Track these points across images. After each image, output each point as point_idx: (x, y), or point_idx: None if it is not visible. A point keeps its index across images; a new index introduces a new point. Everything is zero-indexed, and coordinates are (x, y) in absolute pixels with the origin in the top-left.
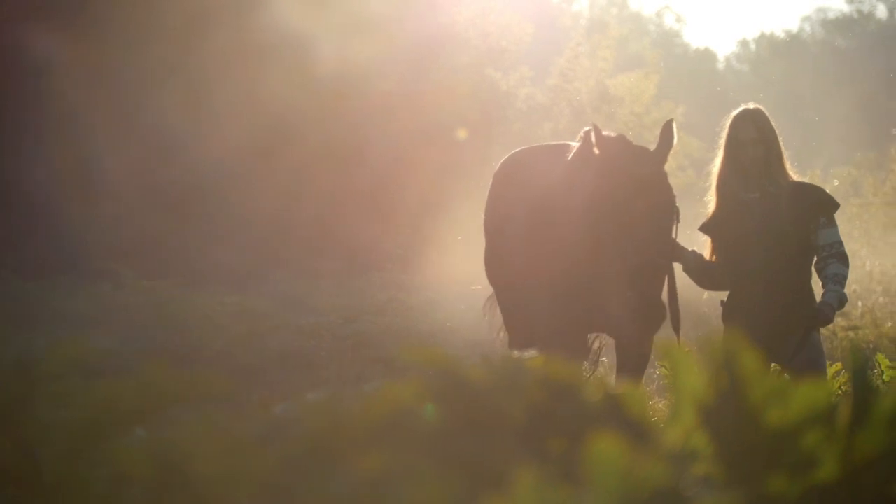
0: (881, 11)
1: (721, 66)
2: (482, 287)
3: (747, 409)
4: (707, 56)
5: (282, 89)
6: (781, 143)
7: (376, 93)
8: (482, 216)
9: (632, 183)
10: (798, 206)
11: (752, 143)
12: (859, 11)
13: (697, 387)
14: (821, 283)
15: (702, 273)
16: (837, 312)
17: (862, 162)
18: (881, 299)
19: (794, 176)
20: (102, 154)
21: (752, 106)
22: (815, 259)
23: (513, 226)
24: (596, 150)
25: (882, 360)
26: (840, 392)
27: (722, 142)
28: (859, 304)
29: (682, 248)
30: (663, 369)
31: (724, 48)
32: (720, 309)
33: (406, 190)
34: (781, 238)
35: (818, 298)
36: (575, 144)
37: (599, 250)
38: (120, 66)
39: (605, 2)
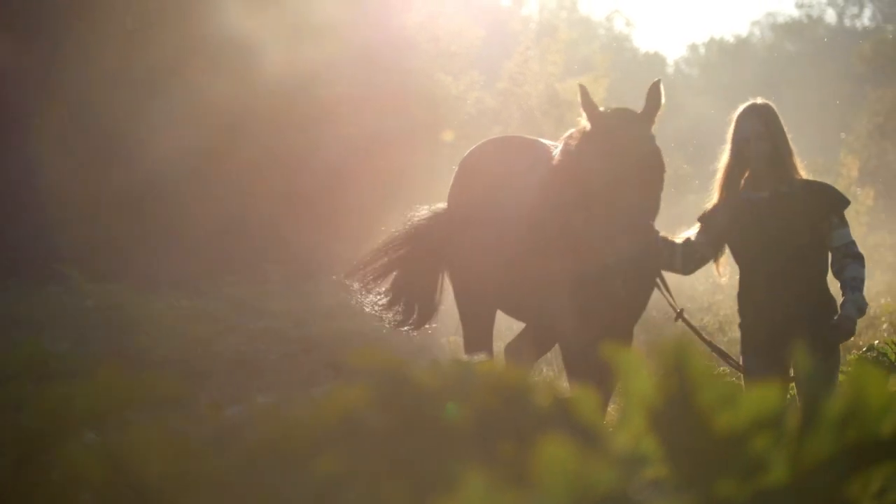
0: (830, 16)
1: (670, 70)
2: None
3: (697, 412)
4: (656, 60)
5: (230, 93)
6: (791, 140)
7: (325, 96)
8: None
9: (616, 143)
10: (810, 206)
11: (757, 138)
12: (808, 16)
13: (647, 390)
14: (840, 288)
15: (687, 257)
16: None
17: (811, 167)
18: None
19: (804, 173)
20: (50, 157)
21: (759, 101)
22: (831, 260)
23: (489, 217)
24: (583, 115)
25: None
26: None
27: (728, 137)
28: None
29: (665, 239)
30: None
31: (673, 52)
32: (671, 313)
33: (356, 194)
34: (794, 239)
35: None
36: (544, 141)
37: (585, 230)
38: (67, 69)
39: (555, 6)
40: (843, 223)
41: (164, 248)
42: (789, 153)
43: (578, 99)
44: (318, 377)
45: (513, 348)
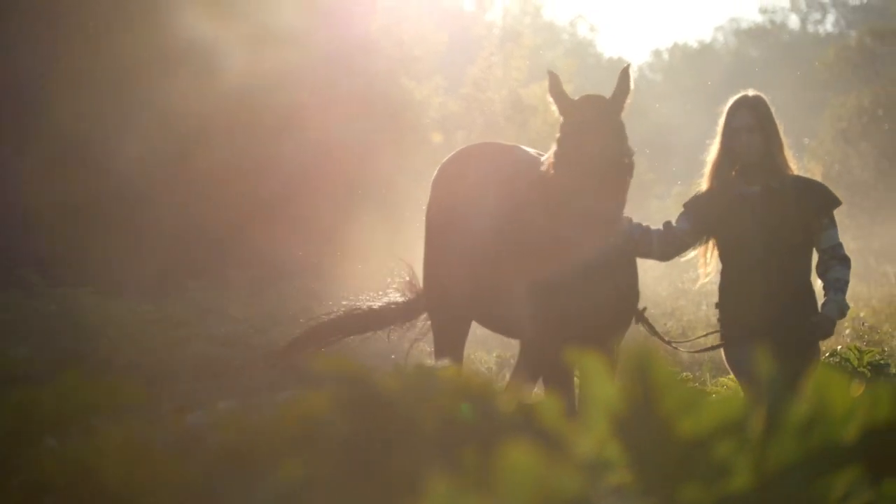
0: (793, 22)
1: (634, 75)
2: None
3: (660, 417)
4: (620, 65)
5: (193, 98)
6: (783, 133)
7: (289, 102)
8: (423, 217)
9: (578, 126)
10: (802, 204)
11: (748, 130)
12: (772, 22)
13: (610, 395)
14: (822, 288)
15: (665, 243)
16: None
17: None
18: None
19: (794, 166)
20: (11, 161)
21: (751, 93)
22: (817, 261)
23: (462, 224)
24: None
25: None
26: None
27: (718, 129)
28: None
29: (639, 227)
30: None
31: (637, 58)
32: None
33: (319, 198)
34: (783, 235)
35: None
36: (525, 148)
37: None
38: (28, 73)
39: (519, 11)
40: (833, 224)
41: (127, 253)
42: (780, 146)
43: (541, 103)
44: (282, 383)
45: (518, 367)
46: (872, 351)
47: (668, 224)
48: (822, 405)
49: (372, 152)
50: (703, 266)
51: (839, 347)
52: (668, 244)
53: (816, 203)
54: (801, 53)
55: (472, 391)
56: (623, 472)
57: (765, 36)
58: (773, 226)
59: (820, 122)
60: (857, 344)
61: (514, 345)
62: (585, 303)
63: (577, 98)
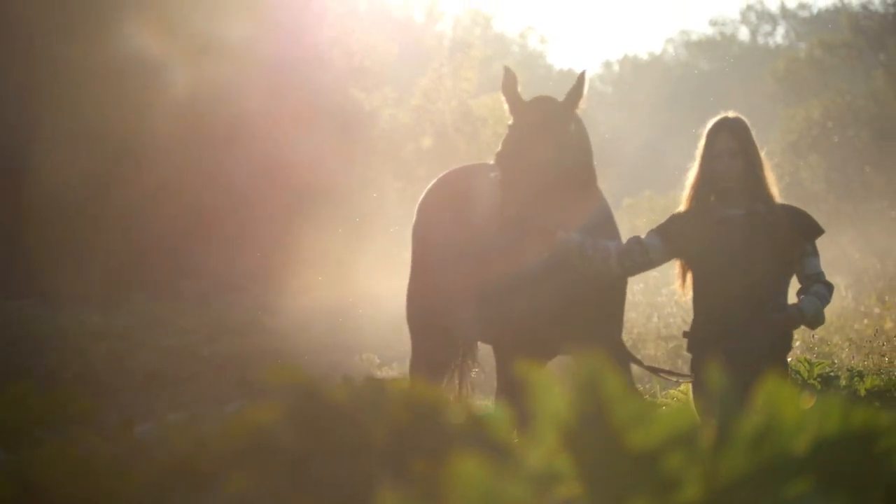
0: (743, 34)
1: (584, 87)
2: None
3: (610, 429)
4: (570, 77)
5: (136, 109)
6: (764, 156)
7: (234, 114)
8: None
9: (521, 129)
10: (786, 230)
11: (730, 155)
12: (722, 34)
13: (560, 408)
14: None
15: (624, 255)
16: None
17: None
18: None
19: (775, 189)
20: None
21: (731, 114)
22: (800, 287)
23: (449, 239)
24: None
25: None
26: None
27: (698, 152)
28: None
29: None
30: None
31: (587, 69)
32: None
33: (268, 209)
34: (765, 261)
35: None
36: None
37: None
38: None
39: (469, 22)
40: (815, 252)
41: (73, 265)
42: (762, 169)
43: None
44: (230, 395)
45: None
46: (822, 363)
47: (635, 238)
48: (772, 418)
49: (321, 163)
50: (681, 288)
51: (789, 360)
52: (632, 258)
53: (800, 229)
54: (751, 65)
55: (421, 403)
56: (573, 484)
57: (715, 48)
58: (754, 251)
59: (770, 135)
60: (807, 356)
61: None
62: (515, 312)
63: (529, 99)
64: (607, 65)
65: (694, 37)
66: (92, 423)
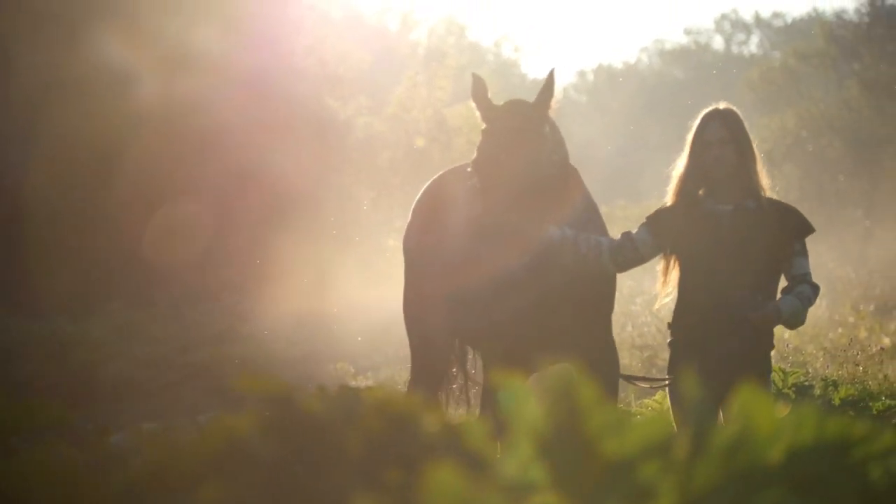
0: (718, 43)
1: (559, 95)
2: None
3: (585, 439)
4: None
5: (111, 119)
6: (756, 149)
7: (211, 123)
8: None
9: (493, 135)
10: (776, 228)
11: (720, 144)
12: (696, 43)
13: (535, 417)
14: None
15: (616, 251)
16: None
17: None
18: None
19: (767, 184)
20: None
21: (722, 105)
22: (785, 286)
23: (439, 243)
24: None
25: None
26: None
27: (687, 142)
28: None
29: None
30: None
31: (562, 78)
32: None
33: (243, 218)
34: (752, 259)
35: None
36: None
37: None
38: None
39: (443, 31)
40: (805, 252)
41: (46, 274)
42: (754, 162)
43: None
44: (205, 404)
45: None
46: (797, 372)
47: (626, 234)
48: (746, 427)
49: (296, 173)
50: (664, 286)
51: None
52: (623, 254)
53: (791, 227)
54: (726, 74)
55: (397, 412)
56: (547, 493)
57: (689, 57)
58: (742, 248)
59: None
60: (782, 366)
61: None
62: (492, 317)
63: (500, 104)
64: (582, 74)
65: (668, 46)
66: (66, 432)
